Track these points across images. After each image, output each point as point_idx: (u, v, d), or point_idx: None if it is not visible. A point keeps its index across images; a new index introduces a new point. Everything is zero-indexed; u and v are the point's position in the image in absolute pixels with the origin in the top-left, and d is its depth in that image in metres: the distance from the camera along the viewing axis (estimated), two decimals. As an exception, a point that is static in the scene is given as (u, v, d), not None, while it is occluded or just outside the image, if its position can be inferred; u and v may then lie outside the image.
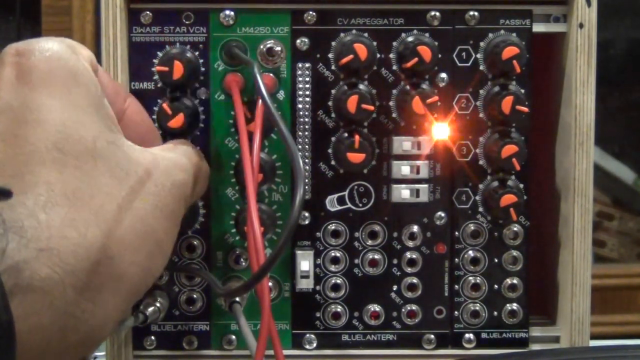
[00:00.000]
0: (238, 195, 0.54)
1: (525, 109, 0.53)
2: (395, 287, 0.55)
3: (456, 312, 0.55)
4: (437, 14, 0.53)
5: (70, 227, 0.37)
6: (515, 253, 0.55)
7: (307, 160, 0.54)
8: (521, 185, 0.54)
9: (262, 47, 0.53)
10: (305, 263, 0.54)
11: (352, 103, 0.52)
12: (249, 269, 0.54)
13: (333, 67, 0.53)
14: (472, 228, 0.55)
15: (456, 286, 0.55)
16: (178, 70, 0.51)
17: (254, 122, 0.49)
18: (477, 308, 0.55)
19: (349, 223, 0.54)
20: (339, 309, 0.55)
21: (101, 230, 0.39)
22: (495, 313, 0.55)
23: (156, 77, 0.53)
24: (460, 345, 0.55)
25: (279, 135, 0.52)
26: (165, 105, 0.51)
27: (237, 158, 0.53)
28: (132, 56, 0.53)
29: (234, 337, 0.55)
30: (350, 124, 0.53)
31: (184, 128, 0.52)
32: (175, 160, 0.46)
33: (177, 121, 0.51)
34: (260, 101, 0.49)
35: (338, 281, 0.55)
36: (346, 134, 0.53)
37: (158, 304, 0.53)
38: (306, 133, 0.54)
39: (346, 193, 0.54)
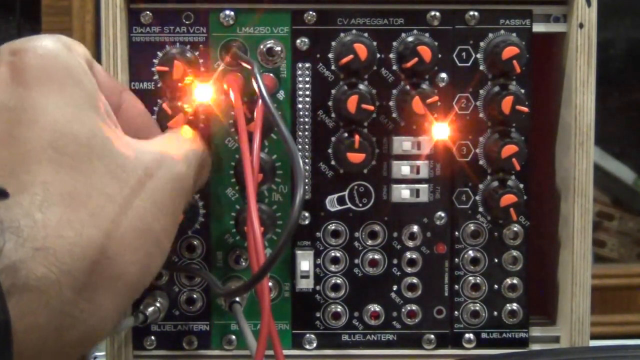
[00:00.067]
0: (238, 195, 0.54)
1: (525, 109, 0.53)
2: (395, 287, 0.55)
3: (456, 312, 0.55)
4: (437, 14, 0.53)
5: (67, 227, 0.37)
6: (515, 253, 0.55)
7: (307, 160, 0.54)
8: (521, 185, 0.54)
9: (262, 47, 0.53)
10: (305, 263, 0.54)
11: (352, 103, 0.52)
12: (249, 269, 0.54)
13: (333, 67, 0.53)
14: (472, 228, 0.55)
15: (456, 286, 0.55)
16: (178, 70, 0.51)
17: (254, 122, 0.49)
18: (477, 308, 0.55)
19: (349, 223, 0.54)
20: (339, 309, 0.55)
21: (98, 230, 0.39)
22: (495, 313, 0.55)
23: (156, 77, 0.53)
24: (460, 345, 0.55)
25: (279, 135, 0.52)
26: (165, 105, 0.51)
27: (237, 158, 0.53)
28: (132, 56, 0.53)
29: (234, 337, 0.55)
30: (350, 124, 0.53)
31: (184, 128, 0.52)
32: (175, 152, 0.45)
33: (177, 121, 0.51)
34: (260, 101, 0.49)
35: (338, 281, 0.55)
36: (346, 134, 0.53)
37: (158, 304, 0.53)
38: (306, 133, 0.54)
39: (346, 193, 0.54)
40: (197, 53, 0.53)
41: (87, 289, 0.38)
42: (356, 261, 0.55)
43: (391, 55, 0.53)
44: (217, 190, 0.54)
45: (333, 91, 0.53)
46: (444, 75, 0.54)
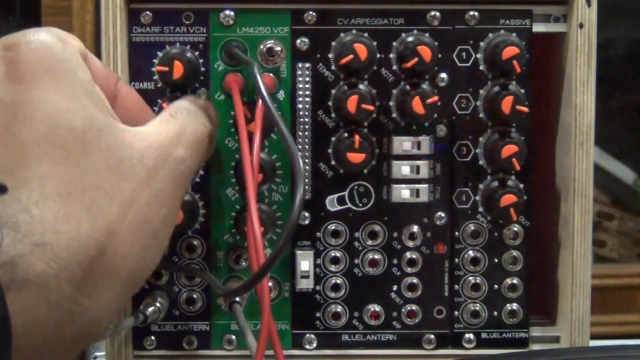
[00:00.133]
0: (238, 195, 0.54)
1: (525, 109, 0.53)
2: (395, 287, 0.55)
3: (456, 312, 0.55)
4: (437, 14, 0.53)
5: (64, 222, 0.37)
6: (515, 253, 0.55)
7: (307, 160, 0.54)
8: (521, 185, 0.54)
9: (262, 47, 0.53)
10: (305, 263, 0.54)
11: (352, 103, 0.52)
12: (249, 269, 0.54)
13: (333, 67, 0.53)
14: (472, 228, 0.55)
15: (456, 286, 0.55)
16: (178, 70, 0.51)
17: (254, 122, 0.49)
18: (477, 308, 0.55)
19: (349, 223, 0.54)
20: (339, 309, 0.55)
21: (95, 225, 0.38)
22: (495, 313, 0.55)
23: (156, 77, 0.53)
24: (460, 345, 0.55)
25: (279, 135, 0.52)
26: (165, 105, 0.51)
27: (237, 158, 0.53)
28: (132, 56, 0.53)
29: (234, 337, 0.55)
30: (350, 124, 0.53)
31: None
32: (173, 135, 0.44)
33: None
34: (260, 101, 0.49)
35: (338, 281, 0.55)
36: (346, 134, 0.53)
37: (158, 304, 0.53)
38: (306, 133, 0.54)
39: (346, 193, 0.54)
40: (197, 53, 0.53)
41: (86, 284, 0.38)
42: (356, 261, 0.55)
43: (391, 55, 0.53)
44: (217, 190, 0.54)
45: (333, 91, 0.53)
46: (444, 75, 0.54)
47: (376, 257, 0.54)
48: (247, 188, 0.47)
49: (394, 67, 0.53)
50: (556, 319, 0.57)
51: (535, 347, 0.56)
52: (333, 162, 0.54)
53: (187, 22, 0.53)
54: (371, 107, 0.52)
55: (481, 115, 0.54)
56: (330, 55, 0.53)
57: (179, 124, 0.45)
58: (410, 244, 0.55)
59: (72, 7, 1.33)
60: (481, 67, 0.54)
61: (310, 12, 0.53)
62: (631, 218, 1.64)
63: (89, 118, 0.40)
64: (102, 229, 0.39)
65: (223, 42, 0.53)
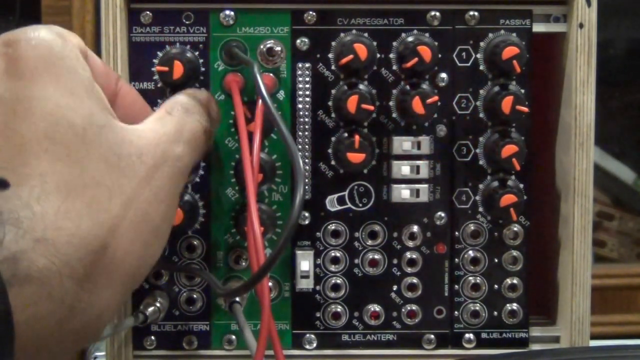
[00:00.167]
0: (238, 195, 0.54)
1: (525, 109, 0.53)
2: (395, 287, 0.55)
3: (456, 312, 0.55)
4: (437, 14, 0.53)
5: (65, 218, 0.37)
6: (515, 253, 0.55)
7: (307, 160, 0.54)
8: (521, 185, 0.54)
9: (262, 47, 0.53)
10: (305, 263, 0.54)
11: (352, 103, 0.52)
12: (249, 269, 0.54)
13: (333, 67, 0.53)
14: (472, 228, 0.55)
15: (456, 286, 0.55)
16: (178, 70, 0.51)
17: (254, 122, 0.49)
18: (477, 308, 0.55)
19: (349, 223, 0.54)
20: (339, 309, 0.55)
21: (95, 221, 0.39)
22: (495, 313, 0.55)
23: (156, 77, 0.53)
24: (460, 345, 0.55)
25: (279, 135, 0.52)
26: (165, 105, 0.51)
27: (237, 158, 0.53)
28: (132, 56, 0.53)
29: (234, 337, 0.55)
30: (350, 124, 0.53)
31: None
32: (171, 133, 0.44)
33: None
34: (260, 101, 0.49)
35: (338, 281, 0.55)
36: (346, 134, 0.53)
37: (158, 304, 0.53)
38: (306, 133, 0.54)
39: (346, 193, 0.54)
40: (197, 53, 0.53)
41: (88, 280, 0.38)
42: (356, 261, 0.55)
43: (391, 55, 0.53)
44: (217, 190, 0.54)
45: (333, 91, 0.53)
46: (444, 75, 0.54)
47: (376, 257, 0.54)
48: (247, 188, 0.47)
49: (394, 67, 0.53)
50: (556, 319, 0.57)
51: (535, 347, 0.56)
52: (333, 162, 0.54)
53: (187, 22, 0.53)
54: (371, 107, 0.52)
55: (481, 115, 0.54)
56: (330, 55, 0.53)
57: (175, 122, 0.45)
58: (410, 244, 0.55)
59: (72, 7, 1.32)
60: (481, 67, 0.54)
61: (310, 12, 0.53)
62: (631, 218, 1.64)
63: (88, 115, 0.40)
64: (103, 225, 0.39)
65: (223, 42, 0.53)
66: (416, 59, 0.52)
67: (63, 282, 0.37)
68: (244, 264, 0.54)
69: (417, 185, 0.54)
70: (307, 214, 0.54)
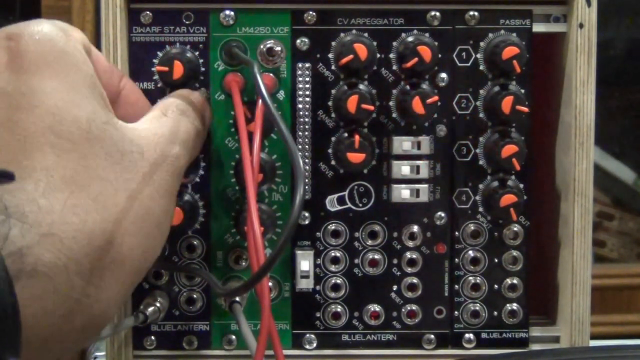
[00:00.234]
0: (238, 195, 0.54)
1: (525, 109, 0.53)
2: (395, 287, 0.55)
3: (456, 312, 0.55)
4: (437, 14, 0.53)
5: (71, 213, 0.37)
6: (515, 253, 0.55)
7: (307, 160, 0.54)
8: (521, 185, 0.54)
9: (262, 47, 0.53)
10: (305, 263, 0.54)
11: (352, 103, 0.52)
12: (249, 269, 0.54)
13: (333, 67, 0.53)
14: (472, 228, 0.55)
15: (456, 286, 0.55)
16: (178, 70, 0.51)
17: (254, 122, 0.49)
18: (477, 308, 0.55)
19: (349, 223, 0.54)
20: (339, 309, 0.55)
21: (101, 216, 0.39)
22: (495, 313, 0.55)
23: (156, 77, 0.53)
24: (460, 345, 0.55)
25: (279, 135, 0.52)
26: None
27: (237, 158, 0.53)
28: (132, 56, 0.53)
29: (234, 337, 0.55)
30: (350, 124, 0.53)
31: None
32: (168, 134, 0.45)
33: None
34: (260, 101, 0.49)
35: (338, 281, 0.55)
36: (346, 134, 0.53)
37: (158, 304, 0.53)
38: (306, 133, 0.54)
39: (346, 193, 0.54)
40: (197, 53, 0.53)
41: (94, 275, 0.38)
42: (356, 261, 0.55)
43: (391, 55, 0.53)
44: (217, 190, 0.54)
45: (333, 91, 0.53)
46: (444, 75, 0.54)
47: (376, 257, 0.54)
48: (247, 188, 0.47)
49: (394, 67, 0.53)
50: (556, 319, 0.57)
51: (535, 347, 0.56)
52: (333, 162, 0.54)
53: (187, 22, 0.53)
54: (371, 107, 0.52)
55: (481, 115, 0.54)
56: (330, 55, 0.53)
57: (171, 123, 0.46)
58: (410, 244, 0.55)
59: (72, 7, 1.32)
60: (481, 67, 0.54)
61: (310, 12, 0.53)
62: (631, 218, 1.64)
63: (92, 111, 0.40)
64: (109, 220, 0.39)
65: (223, 42, 0.53)
66: (416, 59, 0.52)
67: (69, 277, 0.37)
68: (244, 264, 0.54)
69: (417, 185, 0.54)
70: (307, 214, 0.54)
